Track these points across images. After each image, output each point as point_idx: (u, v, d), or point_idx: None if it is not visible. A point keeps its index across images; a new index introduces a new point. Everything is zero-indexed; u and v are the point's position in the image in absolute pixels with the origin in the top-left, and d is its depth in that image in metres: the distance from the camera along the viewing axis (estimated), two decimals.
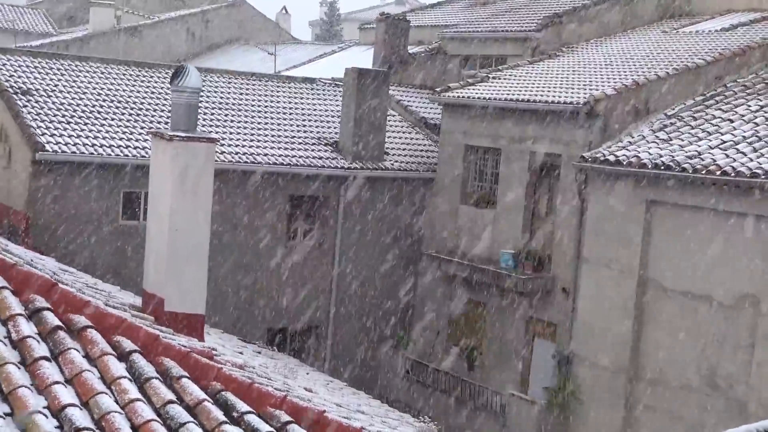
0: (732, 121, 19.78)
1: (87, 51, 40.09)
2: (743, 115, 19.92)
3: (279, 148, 23.64)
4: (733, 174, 17.43)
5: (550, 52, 26.95)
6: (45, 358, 6.67)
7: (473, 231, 23.62)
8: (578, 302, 20.66)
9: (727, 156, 18.13)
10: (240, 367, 9.17)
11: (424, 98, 28.46)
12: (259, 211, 22.81)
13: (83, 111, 22.18)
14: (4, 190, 21.58)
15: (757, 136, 18.69)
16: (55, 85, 22.88)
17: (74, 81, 23.41)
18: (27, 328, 6.94)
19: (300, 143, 24.32)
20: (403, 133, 26.77)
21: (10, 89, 21.84)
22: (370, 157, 24.47)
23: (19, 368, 6.44)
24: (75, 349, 6.98)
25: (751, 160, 17.66)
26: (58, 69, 23.81)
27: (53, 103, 22.06)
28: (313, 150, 24.20)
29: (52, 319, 7.21)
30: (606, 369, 19.88)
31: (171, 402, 6.80)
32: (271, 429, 6.99)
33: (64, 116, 21.66)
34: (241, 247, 22.48)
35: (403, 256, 25.08)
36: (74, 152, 20.45)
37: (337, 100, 26.01)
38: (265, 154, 23.10)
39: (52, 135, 20.68)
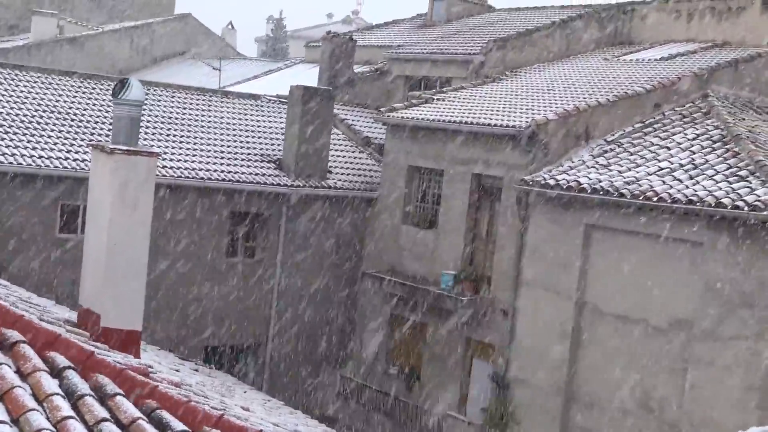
0: (669, 149, 20.12)
1: (28, 60, 39.50)
2: (680, 143, 20.28)
3: (222, 164, 23.53)
4: (669, 200, 17.71)
5: (494, 75, 27.24)
6: None
7: (414, 251, 23.69)
8: (516, 324, 20.79)
9: (664, 182, 18.42)
10: (176, 385, 9.07)
11: (368, 118, 28.57)
12: (199, 227, 22.64)
13: (22, 121, 21.86)
14: None
15: (693, 164, 19.03)
16: None
17: (13, 90, 23.08)
18: None
19: (243, 160, 24.22)
20: (347, 152, 26.83)
21: None
22: (313, 175, 24.45)
23: None
24: (6, 364, 6.85)
25: (687, 187, 17.97)
26: None
27: None
28: (255, 167, 24.12)
29: None
30: (543, 390, 20.02)
31: (104, 420, 6.71)
32: None
33: (1, 126, 21.31)
34: (180, 262, 22.26)
35: (344, 274, 25.06)
36: (11, 163, 20.13)
37: (281, 118, 26.01)
38: (208, 170, 22.97)
39: None
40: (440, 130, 23.14)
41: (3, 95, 22.63)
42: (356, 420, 23.31)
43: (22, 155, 20.48)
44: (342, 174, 25.50)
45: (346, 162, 26.22)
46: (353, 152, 27.00)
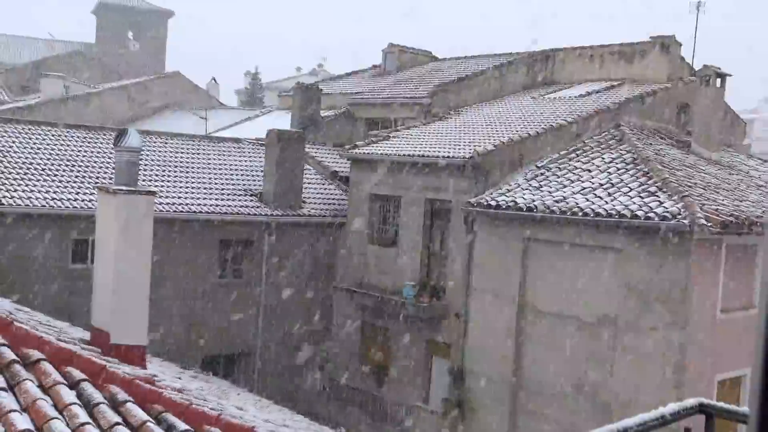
0: (590, 171, 20.38)
1: (39, 116, 39.09)
2: (599, 166, 20.55)
3: (211, 199, 23.45)
4: (592, 214, 17.92)
5: (440, 114, 27.46)
6: (2, 388, 6.45)
7: (380, 267, 23.72)
8: (469, 325, 20.87)
9: (587, 200, 18.64)
10: (179, 391, 8.98)
11: (335, 154, 28.62)
12: (194, 253, 22.53)
13: (36, 168, 21.69)
14: None
15: (610, 183, 19.28)
16: (11, 146, 22.33)
17: (27, 142, 22.90)
18: None
19: (229, 194, 24.15)
20: (318, 184, 26.84)
21: None
22: (290, 206, 24.43)
23: None
24: (29, 379, 6.76)
25: (607, 202, 18.20)
26: (13, 132, 23.26)
27: (8, 161, 21.52)
28: (240, 200, 24.06)
29: (9, 354, 6.98)
30: (493, 381, 20.07)
31: (117, 424, 6.63)
32: None
33: (18, 173, 21.14)
34: (179, 284, 22.12)
35: (321, 289, 25.00)
36: (28, 204, 19.96)
37: (260, 157, 25.96)
38: (199, 204, 22.90)
39: (7, 190, 20.17)
40: (397, 162, 23.26)
41: (19, 147, 22.45)
42: (336, 413, 23.20)
43: (37, 198, 20.34)
44: (314, 203, 25.50)
45: (317, 193, 26.23)
46: (323, 184, 27.02)
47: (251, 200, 24.28)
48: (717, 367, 17.58)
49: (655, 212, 17.01)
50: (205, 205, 23.00)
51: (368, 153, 24.41)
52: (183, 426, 7.01)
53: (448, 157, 21.67)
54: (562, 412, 18.65)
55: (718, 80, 23.35)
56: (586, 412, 18.09)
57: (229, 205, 23.48)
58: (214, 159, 26.12)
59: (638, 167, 19.73)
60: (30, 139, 23.16)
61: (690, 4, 30.03)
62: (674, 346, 16.77)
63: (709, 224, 16.24)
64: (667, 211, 16.84)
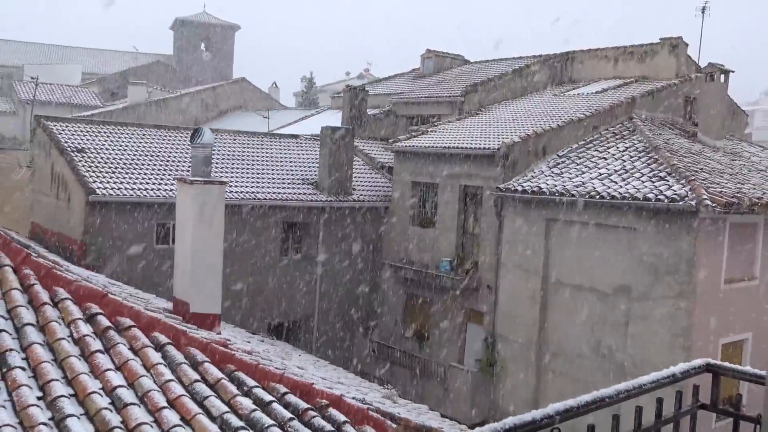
0: (606, 159, 20.09)
1: (126, 118, 39.76)
2: (614, 154, 20.25)
3: (273, 187, 23.60)
4: (608, 197, 17.68)
5: (472, 111, 27.24)
6: (99, 351, 6.58)
7: (420, 245, 23.70)
8: (499, 296, 20.78)
9: (603, 184, 18.39)
10: (248, 353, 9.10)
11: (380, 147, 28.60)
12: (259, 235, 22.73)
13: (125, 163, 22.01)
14: (66, 224, 21.29)
15: (624, 169, 18.99)
16: (103, 145, 22.66)
17: (117, 141, 23.23)
18: (85, 328, 6.84)
19: (289, 183, 24.29)
20: (365, 173, 26.86)
21: (68, 148, 21.62)
22: (341, 192, 24.49)
23: (79, 359, 6.34)
24: (122, 343, 6.89)
25: (621, 186, 17.93)
26: (105, 132, 23.60)
27: (101, 158, 21.85)
28: (298, 188, 24.19)
29: (104, 321, 7.12)
30: (521, 344, 19.99)
31: (197, 381, 6.73)
32: (273, 398, 6.93)
33: (110, 168, 21.47)
34: (247, 261, 22.35)
35: (369, 264, 25.08)
36: (118, 194, 20.28)
37: (315, 151, 26.06)
38: (263, 192, 23.05)
39: (101, 182, 20.49)
40: (434, 154, 23.16)
41: (110, 145, 22.79)
42: (383, 372, 23.31)
43: (126, 188, 20.64)
44: (362, 190, 25.53)
45: (365, 181, 26.25)
46: (370, 173, 27.03)
47: (308, 188, 24.39)
48: (721, 332, 17.27)
49: (664, 195, 16.71)
50: (268, 193, 23.16)
51: (409, 146, 24.35)
52: (252, 383, 7.09)
53: (480, 148, 21.51)
54: (582, 371, 18.51)
55: (722, 76, 22.79)
56: (603, 372, 17.92)
57: (289, 193, 23.62)
58: (276, 153, 26.27)
59: (649, 155, 19.39)
60: (119, 138, 23.50)
61: (696, 9, 29.33)
62: (682, 313, 16.50)
63: (713, 205, 15.92)
64: (676, 194, 16.54)
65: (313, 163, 25.81)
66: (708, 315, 16.74)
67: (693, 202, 15.99)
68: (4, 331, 6.33)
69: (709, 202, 15.88)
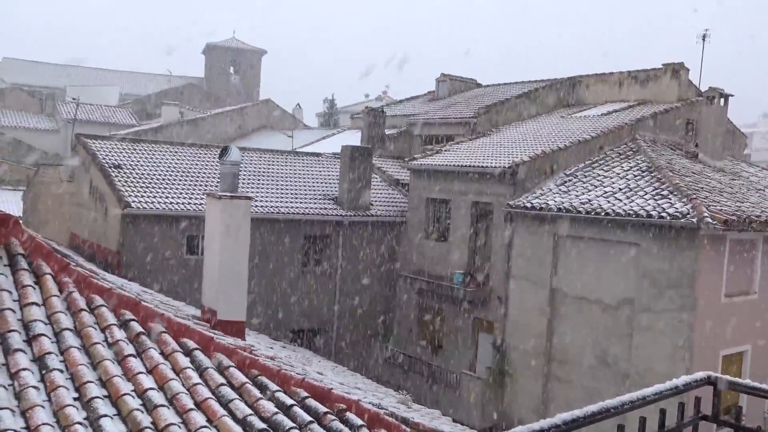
0: (611, 177, 19.98)
1: (160, 137, 40.15)
2: (618, 173, 20.14)
3: (296, 202, 23.68)
4: (613, 214, 17.57)
5: (484, 132, 27.22)
6: (132, 355, 6.60)
7: (434, 258, 23.64)
8: (509, 306, 20.66)
9: (608, 202, 18.28)
10: (271, 358, 9.10)
11: (397, 165, 28.65)
12: (282, 246, 22.79)
13: (158, 179, 22.19)
14: (103, 235, 21.48)
15: (628, 187, 18.88)
16: (138, 161, 22.88)
17: (151, 158, 23.44)
18: (119, 334, 6.88)
19: (310, 198, 24.37)
20: (383, 190, 26.90)
21: (106, 164, 21.85)
22: (360, 207, 24.53)
23: (113, 363, 6.37)
24: (153, 348, 6.92)
25: (625, 204, 17.81)
26: (140, 150, 23.84)
27: (136, 173, 22.05)
28: (319, 203, 24.25)
29: (137, 327, 7.15)
30: (529, 353, 19.83)
31: (222, 384, 6.74)
32: (294, 402, 6.92)
33: (144, 183, 21.66)
34: (271, 272, 22.41)
35: (385, 276, 25.05)
36: (151, 208, 20.43)
37: (336, 168, 26.15)
38: (286, 206, 23.13)
39: (136, 196, 20.66)
40: (448, 171, 23.15)
41: (145, 161, 23.01)
42: (398, 378, 23.21)
43: (159, 202, 20.79)
44: (380, 205, 25.55)
45: (382, 197, 26.28)
46: (387, 190, 27.07)
47: (329, 203, 24.45)
48: (721, 344, 17.04)
49: (667, 212, 16.58)
50: (291, 207, 23.24)
51: (424, 164, 24.36)
52: (275, 387, 7.09)
53: (491, 166, 21.48)
54: (588, 379, 18.32)
55: (722, 99, 22.64)
56: (608, 380, 17.73)
57: (310, 207, 23.69)
58: (299, 170, 26.39)
59: (652, 174, 19.26)
60: (153, 155, 23.72)
61: (696, 36, 29.21)
62: (684, 325, 16.30)
63: (714, 222, 15.76)
64: (678, 211, 16.40)
65: (333, 179, 25.88)
66: (709, 327, 16.53)
67: (694, 220, 15.84)
68: (44, 335, 6.38)
69: (709, 220, 15.73)
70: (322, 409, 6.94)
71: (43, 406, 5.51)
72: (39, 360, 6.07)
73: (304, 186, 25.18)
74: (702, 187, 18.58)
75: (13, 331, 6.29)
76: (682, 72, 26.11)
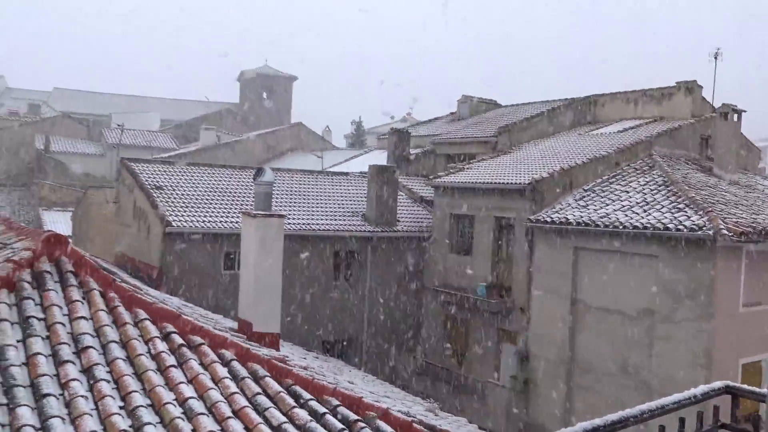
0: (628, 192, 19.77)
1: (198, 159, 40.68)
2: (635, 188, 19.91)
3: (326, 219, 23.78)
4: (630, 227, 17.35)
5: (505, 150, 27.12)
6: (173, 366, 6.66)
7: (458, 271, 23.53)
8: (531, 317, 20.45)
9: (626, 215, 18.07)
10: (304, 368, 9.11)
11: (421, 183, 28.64)
12: (314, 262, 22.86)
13: (197, 199, 22.45)
14: (145, 252, 21.76)
15: (645, 201, 18.65)
16: (178, 182, 23.19)
17: (190, 179, 23.73)
18: (161, 345, 6.95)
19: (340, 215, 24.46)
20: (408, 206, 26.89)
21: (148, 186, 22.18)
22: (387, 224, 24.54)
23: (156, 373, 6.43)
24: (193, 359, 6.97)
25: (642, 217, 17.59)
26: (180, 172, 24.17)
27: (177, 194, 22.34)
28: (348, 220, 24.32)
29: (178, 339, 7.21)
30: (551, 362, 19.59)
31: (258, 394, 6.76)
32: (326, 410, 6.91)
33: (185, 202, 21.92)
34: (303, 285, 22.48)
35: (412, 288, 24.97)
36: (191, 226, 20.66)
37: (363, 186, 26.23)
38: (317, 224, 23.24)
39: (176, 215, 20.92)
40: (470, 188, 23.09)
41: (184, 182, 23.30)
42: (425, 387, 23.05)
43: (198, 221, 21.02)
44: (406, 221, 25.54)
45: (408, 213, 26.27)
46: (413, 206, 27.06)
47: (357, 220, 24.51)
48: (741, 352, 16.65)
49: (684, 225, 16.32)
50: (322, 224, 23.34)
51: (447, 181, 24.33)
52: (308, 396, 7.09)
53: (511, 183, 21.38)
54: (609, 388, 18.01)
55: (735, 115, 22.31)
56: (629, 389, 17.42)
57: (340, 224, 23.75)
58: (328, 189, 26.52)
59: (668, 188, 19.01)
60: (192, 176, 24.02)
61: (709, 54, 28.89)
62: (703, 335, 15.98)
63: (730, 234, 15.48)
64: (695, 224, 16.15)
65: (361, 197, 25.96)
66: (727, 336, 16.17)
67: (711, 232, 15.58)
68: (92, 347, 6.47)
69: (726, 232, 15.46)
70: (354, 416, 6.92)
71: (91, 415, 5.58)
72: (87, 371, 6.16)
73: (334, 204, 25.29)
74: (717, 200, 18.27)
75: (64, 343, 6.40)
76: (695, 89, 25.81)
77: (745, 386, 2.87)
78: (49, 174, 42.31)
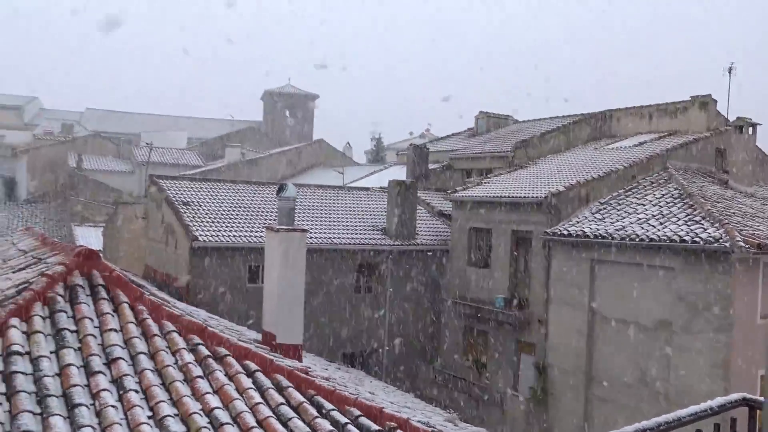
0: (644, 205, 19.57)
1: (224, 176, 41.03)
2: (651, 201, 19.71)
3: (347, 233, 23.83)
4: (647, 240, 17.16)
5: (521, 164, 27.02)
6: (200, 376, 6.70)
7: (476, 283, 23.41)
8: (549, 328, 20.25)
9: (642, 228, 17.87)
10: (326, 379, 9.10)
11: (440, 197, 28.60)
12: (336, 275, 22.89)
13: (223, 214, 22.63)
14: (173, 266, 21.95)
15: (661, 214, 18.44)
16: (204, 198, 23.40)
17: (216, 195, 23.94)
18: (188, 357, 6.99)
19: (361, 230, 24.49)
20: (428, 220, 26.86)
21: (176, 202, 22.42)
22: (407, 237, 24.52)
23: (183, 384, 6.47)
24: (219, 370, 7.00)
25: (659, 230, 17.39)
26: (206, 188, 24.39)
27: (203, 209, 22.54)
28: (369, 234, 24.34)
29: (204, 351, 7.26)
30: (569, 373, 19.35)
31: (282, 404, 6.76)
32: (348, 420, 6.89)
33: (211, 218, 22.11)
34: (326, 298, 22.50)
35: (431, 300, 24.88)
36: (217, 241, 20.82)
37: (383, 201, 26.26)
38: (339, 237, 23.29)
39: (203, 230, 21.10)
40: (488, 202, 23.01)
41: (210, 198, 23.52)
42: (445, 397, 22.89)
43: (224, 235, 21.17)
44: (425, 235, 25.50)
45: (427, 227, 26.23)
46: (432, 220, 27.02)
47: (377, 234, 24.53)
48: (760, 364, 16.31)
49: (700, 237, 16.10)
50: (343, 238, 23.39)
51: (465, 195, 24.28)
52: (330, 406, 7.08)
53: (528, 197, 21.27)
54: (628, 399, 17.74)
55: (750, 128, 22.03)
56: (647, 400, 17.13)
57: (361, 238, 23.78)
58: (349, 204, 26.60)
59: (684, 201, 18.78)
60: (218, 192, 24.24)
61: (723, 69, 28.63)
62: (721, 345, 15.69)
63: (747, 246, 15.24)
64: (711, 236, 15.92)
65: (381, 211, 25.99)
66: (746, 348, 15.86)
67: (727, 244, 15.34)
68: (121, 358, 6.54)
69: (742, 244, 15.22)
70: (374, 427, 6.89)
71: (120, 424, 5.62)
72: (117, 381, 6.22)
73: (355, 218, 25.33)
74: (734, 213, 18.01)
75: (94, 355, 6.47)
76: (710, 104, 25.54)
77: (763, 398, 2.82)
78: (82, 191, 42.95)
